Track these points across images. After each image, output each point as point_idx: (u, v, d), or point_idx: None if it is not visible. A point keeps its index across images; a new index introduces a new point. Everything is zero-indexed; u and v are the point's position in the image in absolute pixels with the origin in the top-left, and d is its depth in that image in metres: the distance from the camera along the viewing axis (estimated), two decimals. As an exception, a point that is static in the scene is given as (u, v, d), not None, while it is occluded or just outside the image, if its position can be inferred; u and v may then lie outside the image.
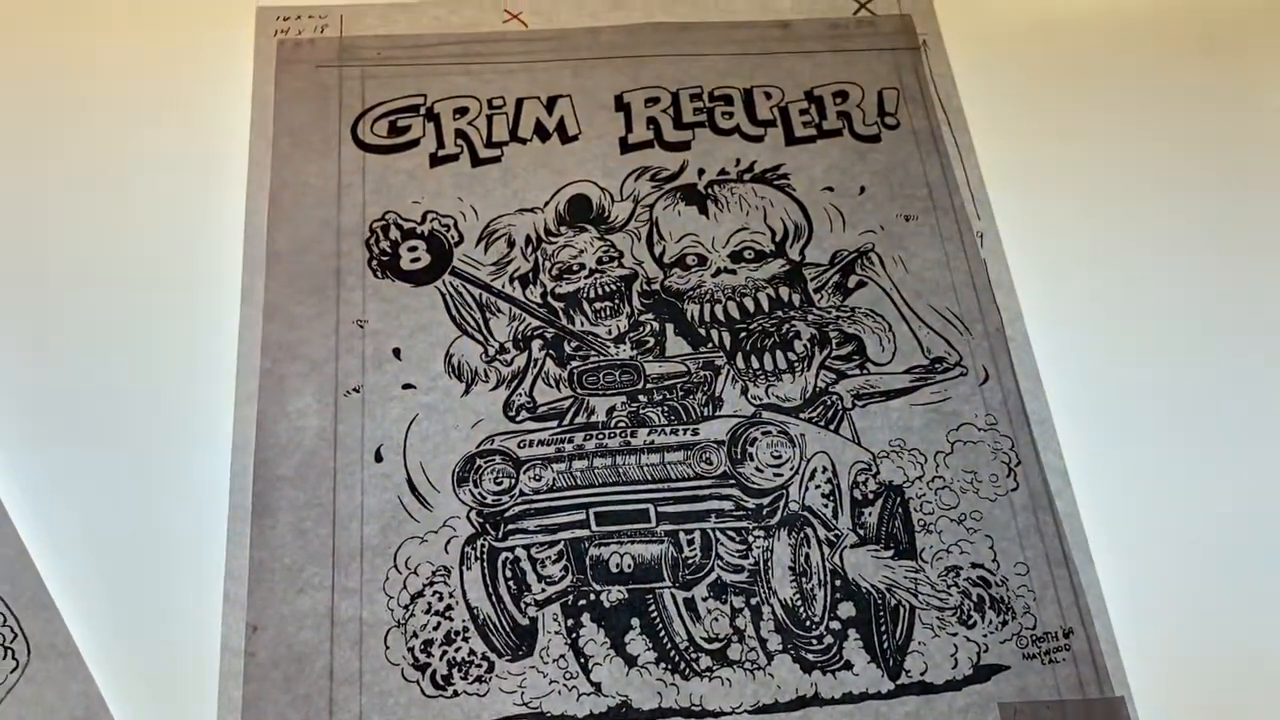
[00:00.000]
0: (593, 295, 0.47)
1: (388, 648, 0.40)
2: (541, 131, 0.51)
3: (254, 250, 0.47)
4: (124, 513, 0.42)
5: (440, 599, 0.40)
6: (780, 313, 0.47)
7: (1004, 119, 0.52)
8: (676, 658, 0.40)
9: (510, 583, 0.41)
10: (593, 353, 0.46)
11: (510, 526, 0.42)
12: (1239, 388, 0.46)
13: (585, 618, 0.40)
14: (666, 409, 0.45)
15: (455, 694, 0.39)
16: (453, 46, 0.53)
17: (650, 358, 0.46)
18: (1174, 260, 0.49)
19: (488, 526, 0.42)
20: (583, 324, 0.46)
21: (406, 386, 0.44)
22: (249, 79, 0.51)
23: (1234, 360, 0.46)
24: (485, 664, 0.40)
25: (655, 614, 0.41)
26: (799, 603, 0.41)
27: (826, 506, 0.43)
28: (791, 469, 0.43)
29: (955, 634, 0.41)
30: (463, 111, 0.51)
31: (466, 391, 0.44)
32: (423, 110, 0.51)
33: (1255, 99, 0.53)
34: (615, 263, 0.48)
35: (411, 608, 0.40)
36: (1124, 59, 0.54)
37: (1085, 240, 0.49)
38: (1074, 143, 0.52)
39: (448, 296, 0.47)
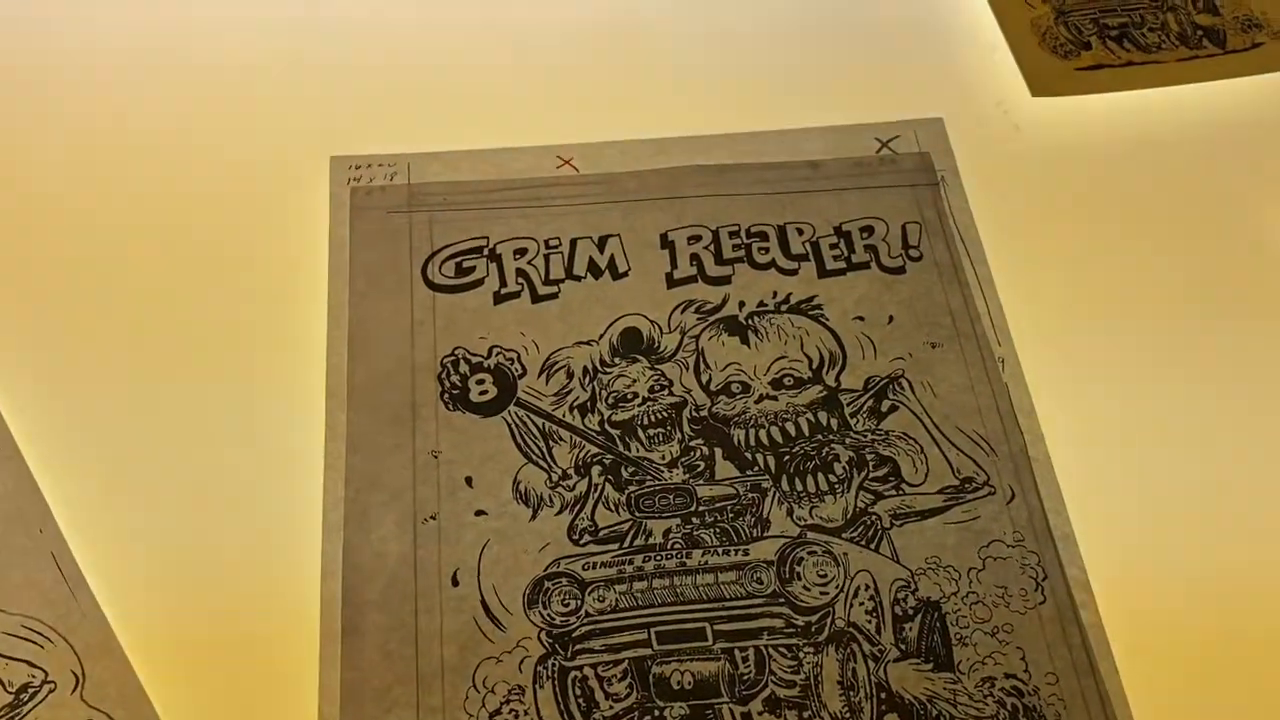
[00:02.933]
0: (646, 422, 0.51)
1: (470, 763, 0.43)
2: (594, 269, 0.55)
3: (336, 385, 0.51)
4: (223, 639, 0.45)
5: (516, 716, 0.44)
6: (820, 436, 0.51)
7: (1020, 249, 0.56)
8: (736, 769, 0.43)
9: (580, 700, 0.44)
10: (648, 477, 0.50)
11: (578, 646, 0.45)
12: (1247, 489, 0.49)
13: (651, 732, 0.44)
14: (718, 530, 0.48)
15: (533, 807, 0.42)
16: (512, 191, 0.57)
17: (701, 481, 0.49)
18: (1189, 377, 0.53)
19: (557, 646, 0.45)
20: (638, 450, 0.50)
21: (479, 513, 0.48)
22: (325, 224, 0.56)
23: (1240, 465, 0.50)
24: (560, 777, 0.43)
25: (715, 727, 0.44)
26: (848, 716, 0.44)
27: (870, 623, 0.46)
28: (837, 587, 0.47)
29: (994, 743, 0.44)
30: (522, 252, 0.56)
31: (534, 517, 0.48)
32: (485, 251, 0.55)
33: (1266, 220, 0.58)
34: (666, 391, 0.52)
35: (490, 725, 0.44)
36: (1134, 186, 0.59)
37: (1102, 362, 0.53)
38: (1088, 269, 0.56)
39: (513, 426, 0.51)
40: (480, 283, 0.55)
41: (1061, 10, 0.66)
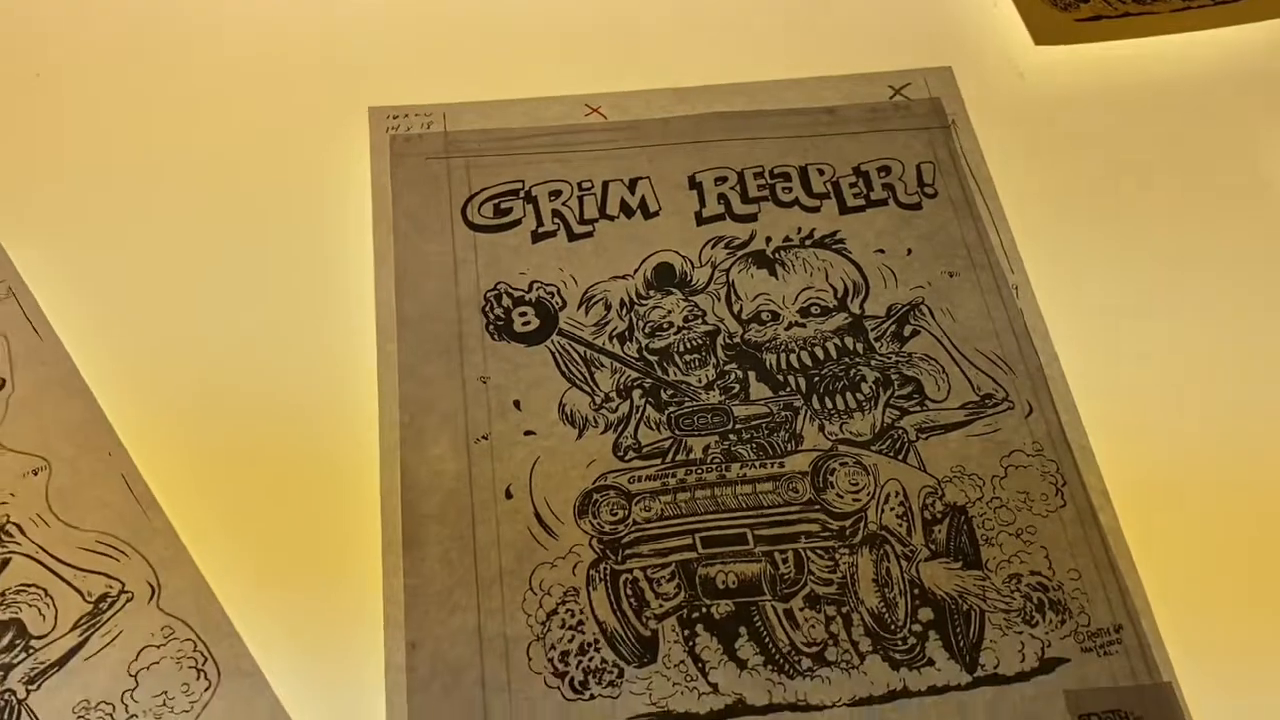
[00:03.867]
0: (683, 349, 0.54)
1: (530, 659, 0.45)
2: (626, 209, 0.58)
3: (386, 320, 0.53)
4: (291, 552, 0.48)
5: (572, 615, 0.46)
6: (847, 359, 0.54)
7: (1028, 185, 0.59)
8: (781, 660, 0.46)
9: (632, 600, 0.47)
10: (686, 399, 0.52)
11: (627, 551, 0.48)
12: (1252, 397, 0.52)
13: (699, 628, 0.46)
14: (754, 445, 0.51)
15: (592, 697, 0.45)
16: (543, 138, 0.60)
17: (737, 401, 0.52)
18: (1192, 296, 0.56)
19: (608, 552, 0.48)
20: (675, 374, 0.53)
21: (528, 433, 0.51)
22: (368, 170, 0.58)
23: (1245, 375, 0.53)
24: (616, 670, 0.45)
25: (760, 623, 0.47)
26: (884, 610, 0.47)
27: (901, 526, 0.49)
28: (868, 494, 0.50)
29: (1021, 632, 0.47)
30: (556, 194, 0.58)
31: (580, 436, 0.51)
32: (522, 194, 0.58)
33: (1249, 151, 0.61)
34: (699, 320, 0.55)
35: (548, 624, 0.46)
36: (1133, 125, 0.62)
37: (1110, 286, 0.56)
38: (1092, 201, 0.59)
39: (557, 354, 0.53)
40: (518, 223, 0.57)
41: (1060, -34, 0.69)
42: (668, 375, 0.53)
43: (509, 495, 0.49)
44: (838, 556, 0.48)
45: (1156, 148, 0.62)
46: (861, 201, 0.59)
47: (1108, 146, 0.62)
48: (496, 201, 0.58)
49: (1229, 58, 0.66)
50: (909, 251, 0.57)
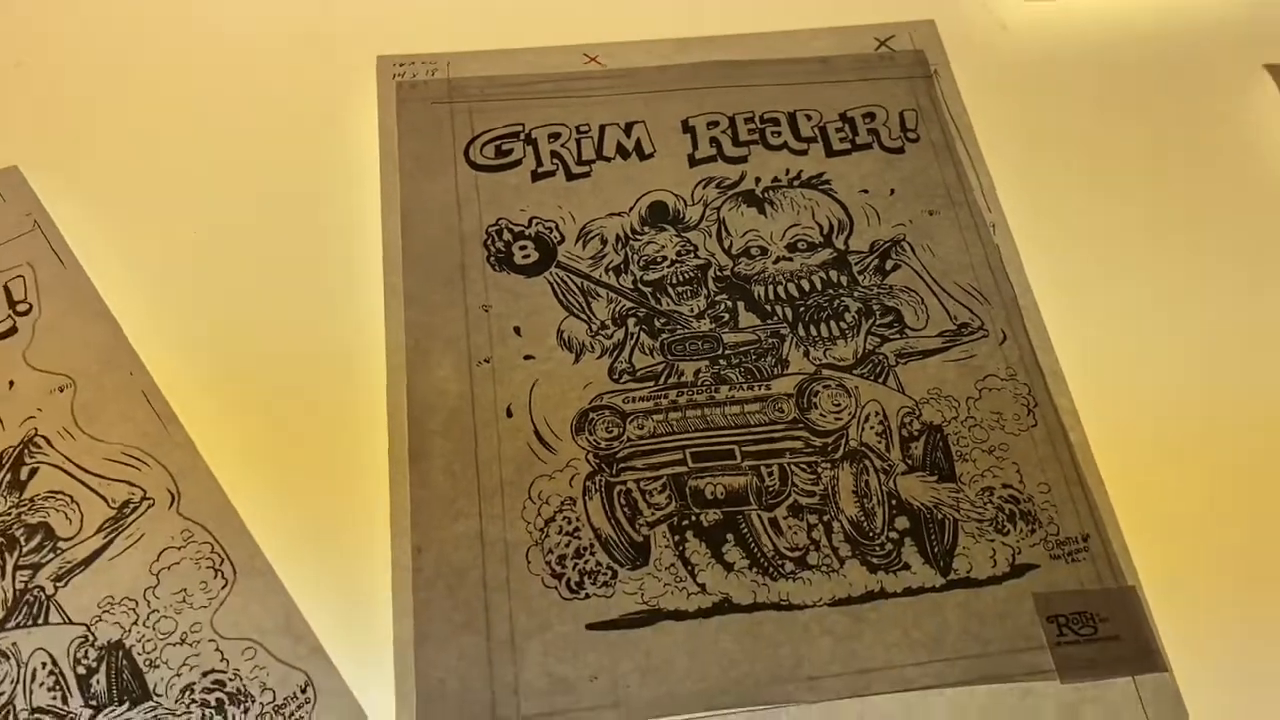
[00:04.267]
0: (675, 281, 0.56)
1: (529, 562, 0.48)
2: (623, 151, 0.61)
3: (392, 252, 0.56)
4: (301, 462, 0.50)
5: (569, 522, 0.49)
6: (831, 291, 0.56)
7: (1007, 130, 0.62)
8: (766, 564, 0.48)
9: (625, 509, 0.50)
10: (678, 327, 0.55)
11: (622, 465, 0.51)
12: (1215, 323, 0.55)
13: (689, 534, 0.49)
14: (743, 370, 0.54)
15: (587, 596, 0.47)
16: (543, 84, 0.63)
17: (727, 329, 0.55)
18: (1160, 231, 0.59)
19: (603, 465, 0.51)
20: (668, 304, 0.56)
21: (527, 357, 0.53)
22: (375, 115, 0.61)
23: (1208, 303, 0.56)
24: (610, 572, 0.48)
25: (746, 530, 0.49)
26: (863, 519, 0.50)
27: (880, 443, 0.52)
28: (850, 414, 0.52)
29: (993, 540, 0.49)
30: (555, 136, 0.61)
31: (577, 360, 0.54)
32: (522, 136, 0.61)
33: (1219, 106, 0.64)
34: (692, 255, 0.57)
35: (546, 530, 0.49)
36: (1111, 74, 0.65)
37: (1082, 223, 0.59)
38: (1068, 145, 0.62)
39: (555, 285, 0.56)
40: (518, 163, 0.60)
41: (1042, -74, 0.72)
42: (661, 305, 0.56)
43: (509, 414, 0.52)
44: (820, 470, 0.51)
45: (1134, 96, 0.64)
46: (847, 145, 0.61)
47: (1086, 96, 0.64)
48: (498, 143, 0.60)
49: (1213, 11, 0.69)
50: (892, 192, 0.60)
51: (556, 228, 0.58)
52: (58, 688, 0.45)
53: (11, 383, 0.51)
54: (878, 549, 0.49)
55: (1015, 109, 0.63)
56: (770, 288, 0.56)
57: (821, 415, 0.52)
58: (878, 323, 0.55)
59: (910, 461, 0.51)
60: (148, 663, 0.45)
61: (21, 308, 0.54)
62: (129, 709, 0.44)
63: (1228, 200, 0.60)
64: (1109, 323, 0.56)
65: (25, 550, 0.47)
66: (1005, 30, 0.67)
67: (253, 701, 0.45)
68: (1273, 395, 0.54)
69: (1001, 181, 0.60)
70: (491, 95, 0.62)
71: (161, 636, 0.46)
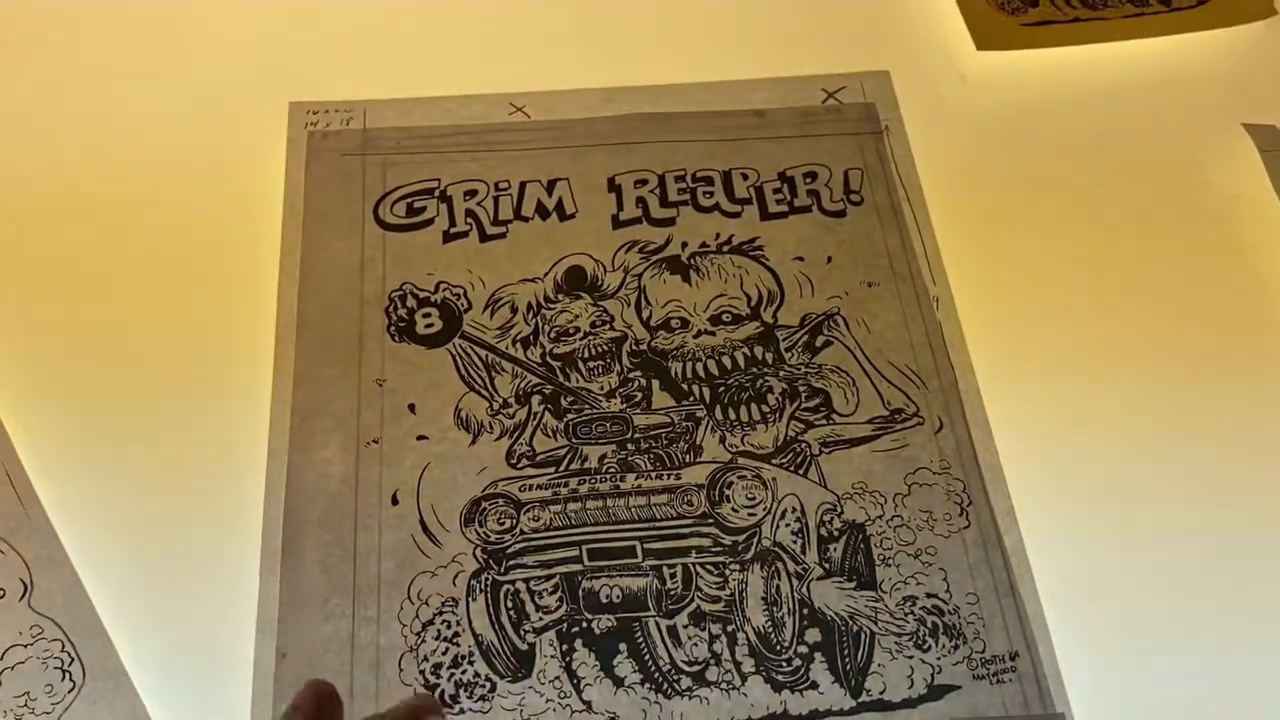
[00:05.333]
0: (587, 355, 0.52)
1: (401, 670, 0.44)
2: (542, 211, 0.57)
3: (286, 318, 0.53)
4: (169, 552, 0.47)
5: (449, 626, 0.45)
6: (755, 370, 0.52)
7: (960, 194, 0.58)
8: (660, 679, 0.44)
9: (511, 612, 0.46)
10: (586, 406, 0.51)
11: (511, 562, 0.47)
12: (1167, 433, 0.50)
13: (578, 643, 0.45)
14: (652, 456, 0.50)
15: (462, 711, 0.44)
16: (464, 137, 0.59)
17: (638, 410, 0.51)
18: (1115, 319, 0.54)
19: (491, 562, 0.47)
20: (578, 381, 0.52)
21: (420, 438, 0.50)
22: (283, 166, 0.58)
23: (1167, 413, 0.51)
24: (488, 684, 0.44)
25: (641, 640, 0.45)
26: (770, 629, 0.45)
27: (795, 543, 0.47)
28: (764, 509, 0.48)
29: (912, 657, 0.45)
30: (472, 194, 0.57)
31: (473, 442, 0.50)
32: (437, 193, 0.57)
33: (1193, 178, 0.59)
34: (607, 326, 0.53)
35: (423, 634, 0.45)
36: (1069, 144, 0.60)
37: (1034, 299, 0.54)
38: (1021, 214, 0.57)
39: (457, 357, 0.52)
40: (430, 222, 0.56)
41: (1011, -32, 0.67)
42: (569, 381, 0.52)
43: (395, 501, 0.48)
44: (728, 572, 0.47)
45: (1103, 157, 0.60)
46: (784, 208, 0.57)
47: (1045, 156, 0.60)
48: (410, 200, 0.57)
49: (1184, 65, 0.64)
50: (829, 259, 0.55)
51: (464, 294, 0.54)
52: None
53: None
54: (784, 664, 0.45)
55: (970, 169, 0.59)
56: (689, 364, 0.52)
57: (734, 510, 0.48)
58: (803, 406, 0.51)
59: (827, 565, 0.47)
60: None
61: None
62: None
63: (1207, 274, 0.55)
64: (1057, 414, 0.51)
65: None
66: (964, 82, 0.62)
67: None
68: (1241, 496, 0.49)
69: (950, 250, 0.56)
70: (408, 147, 0.59)
71: (-4, 746, 0.42)
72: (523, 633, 0.45)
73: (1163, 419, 0.51)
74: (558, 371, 0.52)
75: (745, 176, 0.58)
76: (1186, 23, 0.65)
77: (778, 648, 0.45)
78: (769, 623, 0.46)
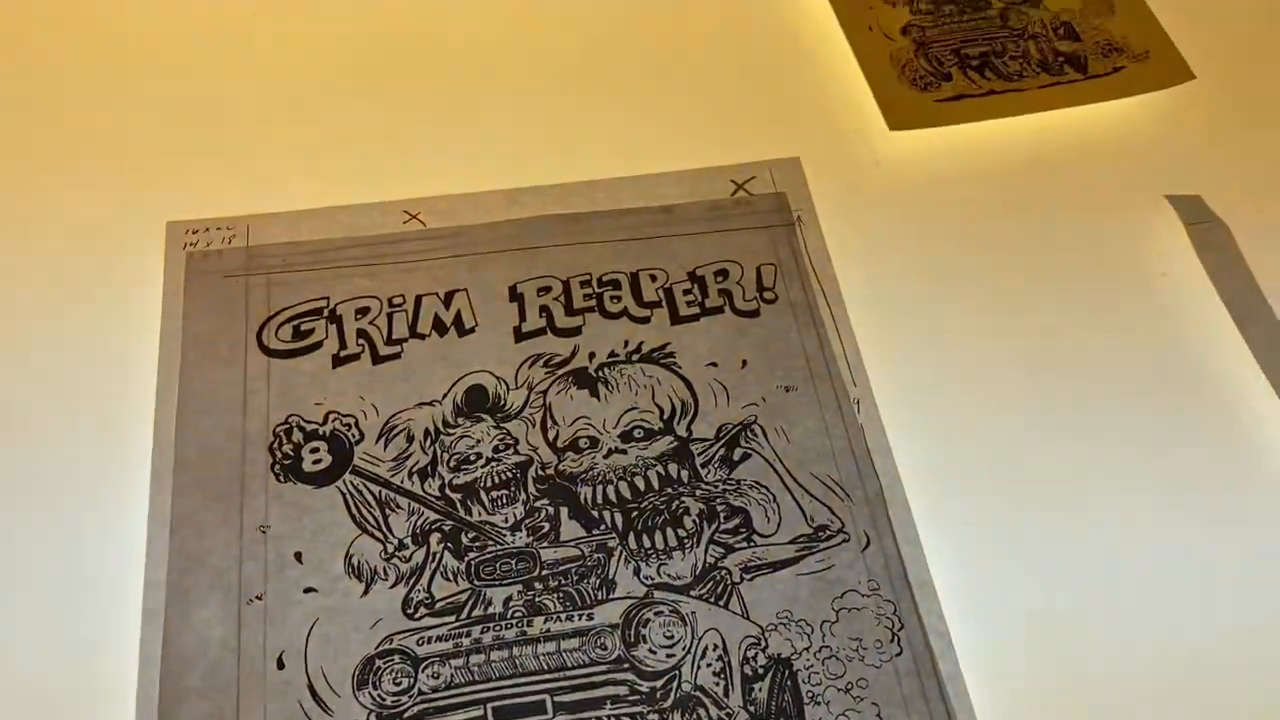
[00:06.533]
0: (489, 484, 0.49)
1: None
2: (440, 326, 0.53)
3: (162, 463, 0.49)
4: (29, 738, 0.42)
5: (340, 808, 0.41)
6: (670, 490, 0.49)
7: (877, 287, 0.55)
8: None
9: (409, 785, 0.42)
10: (490, 542, 0.47)
11: (409, 727, 0.43)
12: (1109, 523, 0.48)
13: (483, 817, 0.41)
14: (561, 595, 0.46)
15: None
16: (356, 249, 0.56)
17: (545, 544, 0.47)
18: (1047, 418, 0.51)
19: (387, 728, 0.43)
20: (480, 514, 0.48)
21: (308, 590, 0.46)
22: (159, 291, 0.54)
23: (1100, 510, 0.49)
24: None
25: (552, 808, 0.42)
26: (693, 786, 0.42)
27: (718, 685, 0.44)
28: (684, 649, 0.45)
29: (846, 808, 0.42)
30: (364, 311, 0.54)
31: (366, 592, 0.46)
32: (325, 313, 0.53)
33: (1124, 256, 0.57)
34: (511, 450, 0.50)
35: (311, 819, 0.41)
36: (987, 224, 0.58)
37: (960, 401, 0.52)
38: (942, 301, 0.55)
39: (348, 496, 0.48)
40: (319, 345, 0.53)
41: (921, 42, 0.66)
42: (471, 515, 0.48)
43: (280, 665, 0.44)
44: (645, 724, 0.43)
45: (1025, 237, 0.58)
46: (695, 310, 0.54)
47: (964, 238, 0.57)
48: (297, 323, 0.53)
49: (1103, 133, 0.62)
50: (744, 364, 0.53)
51: (356, 424, 0.50)
52: None
53: None
54: (708, 826, 0.41)
55: (887, 256, 0.56)
56: (599, 488, 0.49)
57: (651, 651, 0.45)
58: (721, 528, 0.48)
59: (753, 709, 0.44)
60: None
61: None
62: None
63: (1140, 354, 0.53)
64: (992, 521, 0.48)
65: None
66: (879, 166, 0.60)
67: None
68: (1186, 609, 0.46)
69: (869, 347, 0.53)
70: (295, 264, 0.55)
71: None
72: (422, 809, 0.41)
73: (1107, 509, 0.48)
74: (458, 505, 0.48)
75: (654, 278, 0.55)
76: (1104, 91, 0.64)
77: (701, 807, 0.42)
78: (691, 779, 0.42)
